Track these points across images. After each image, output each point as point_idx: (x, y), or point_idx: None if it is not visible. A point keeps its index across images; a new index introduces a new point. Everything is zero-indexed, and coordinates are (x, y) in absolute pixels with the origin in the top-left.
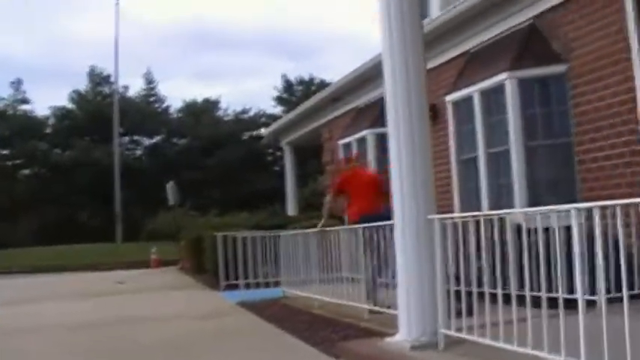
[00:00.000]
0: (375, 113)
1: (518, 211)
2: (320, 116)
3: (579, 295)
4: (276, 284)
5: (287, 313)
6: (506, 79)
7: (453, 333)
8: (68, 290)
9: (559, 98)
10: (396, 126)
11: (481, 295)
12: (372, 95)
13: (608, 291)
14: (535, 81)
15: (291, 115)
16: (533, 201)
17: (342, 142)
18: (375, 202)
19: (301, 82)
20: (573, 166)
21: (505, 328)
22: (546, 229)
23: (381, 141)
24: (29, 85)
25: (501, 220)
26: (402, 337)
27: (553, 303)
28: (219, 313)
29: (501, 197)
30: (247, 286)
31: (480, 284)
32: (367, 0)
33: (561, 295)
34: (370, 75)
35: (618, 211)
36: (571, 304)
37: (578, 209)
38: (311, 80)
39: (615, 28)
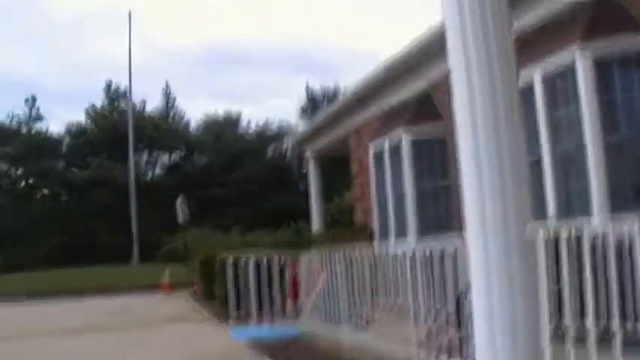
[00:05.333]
0: (411, 111)
1: None
2: (347, 122)
3: None
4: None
5: None
6: (577, 54)
7: None
8: (45, 325)
9: None
10: (471, 110)
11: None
12: (407, 92)
13: None
14: (614, 58)
15: (317, 119)
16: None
17: (372, 143)
18: None
19: (326, 95)
20: None
21: None
22: None
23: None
24: (45, 104)
25: None
26: None
27: None
28: None
29: (572, 206)
30: (260, 319)
31: None
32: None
33: None
34: (407, 65)
35: None
36: None
37: None
38: (336, 93)
39: None
